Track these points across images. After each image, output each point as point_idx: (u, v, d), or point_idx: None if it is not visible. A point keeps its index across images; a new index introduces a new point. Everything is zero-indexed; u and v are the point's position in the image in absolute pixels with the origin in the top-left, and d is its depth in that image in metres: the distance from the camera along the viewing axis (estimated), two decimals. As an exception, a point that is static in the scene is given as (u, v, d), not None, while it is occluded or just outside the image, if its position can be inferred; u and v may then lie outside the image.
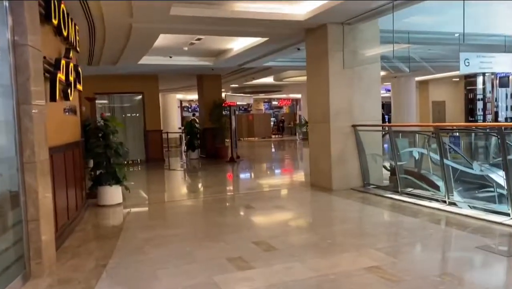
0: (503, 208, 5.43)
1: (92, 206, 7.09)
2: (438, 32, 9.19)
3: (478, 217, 5.40)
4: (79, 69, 6.10)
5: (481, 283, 3.64)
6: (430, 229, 5.27)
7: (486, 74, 17.82)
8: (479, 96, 18.46)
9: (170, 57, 11.54)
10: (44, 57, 4.29)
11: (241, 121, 25.08)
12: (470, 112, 18.74)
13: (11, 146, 3.73)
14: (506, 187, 5.26)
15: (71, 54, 5.46)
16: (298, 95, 28.66)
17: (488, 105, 18.30)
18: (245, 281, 3.69)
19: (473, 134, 8.57)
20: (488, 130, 8.19)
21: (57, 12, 4.70)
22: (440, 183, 6.45)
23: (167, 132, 17.42)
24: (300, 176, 10.91)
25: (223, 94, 15.97)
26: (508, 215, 5.19)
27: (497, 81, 18.08)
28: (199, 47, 10.70)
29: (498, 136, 5.55)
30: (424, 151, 7.27)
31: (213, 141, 14.98)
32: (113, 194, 7.15)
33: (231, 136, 14.16)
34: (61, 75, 4.73)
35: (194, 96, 23.46)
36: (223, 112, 14.88)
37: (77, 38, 6.13)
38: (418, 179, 7.10)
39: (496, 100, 18.25)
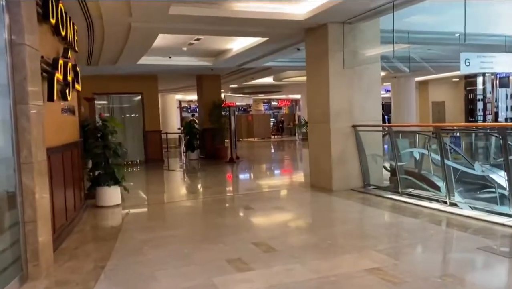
0: (505, 208, 5.39)
1: (91, 207, 7.05)
2: (439, 32, 9.17)
3: (479, 217, 5.36)
4: (78, 69, 6.06)
5: (483, 285, 3.61)
6: (431, 230, 5.23)
7: (486, 74, 17.82)
8: (479, 97, 18.45)
9: (170, 57, 11.51)
10: (42, 57, 4.25)
11: (240, 122, 25.06)
12: (470, 113, 18.74)
13: (8, 146, 3.69)
14: (507, 188, 5.23)
15: (69, 54, 5.43)
16: (298, 96, 28.65)
17: (488, 105, 18.29)
18: (245, 282, 3.65)
19: (473, 134, 8.55)
20: (488, 130, 8.17)
21: (55, 11, 4.67)
22: (441, 184, 6.42)
23: (167, 133, 17.38)
24: (299, 177, 10.87)
25: (222, 95, 15.93)
26: (509, 215, 5.16)
27: (497, 81, 18.08)
28: (198, 47, 10.67)
29: (500, 137, 5.52)
30: (425, 151, 7.23)
31: (212, 142, 14.95)
32: (111, 194, 7.11)
33: (231, 137, 14.13)
34: (59, 75, 4.69)
35: (193, 96, 23.43)
36: (223, 113, 14.85)
37: (76, 38, 6.09)
38: (419, 180, 7.07)
39: (496, 100, 18.24)
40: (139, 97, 14.68)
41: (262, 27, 7.80)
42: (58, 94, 4.83)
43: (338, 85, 7.63)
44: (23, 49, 3.68)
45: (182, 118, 27.44)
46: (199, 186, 10.57)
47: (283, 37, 8.75)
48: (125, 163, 10.54)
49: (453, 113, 20.91)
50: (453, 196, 6.03)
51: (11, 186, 3.72)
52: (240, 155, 14.55)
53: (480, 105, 18.42)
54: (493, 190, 6.28)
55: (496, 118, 17.94)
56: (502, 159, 5.64)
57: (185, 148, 15.98)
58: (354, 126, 7.74)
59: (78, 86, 6.09)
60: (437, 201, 6.26)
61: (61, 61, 4.83)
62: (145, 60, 10.89)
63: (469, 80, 18.71)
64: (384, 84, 19.01)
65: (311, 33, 8.01)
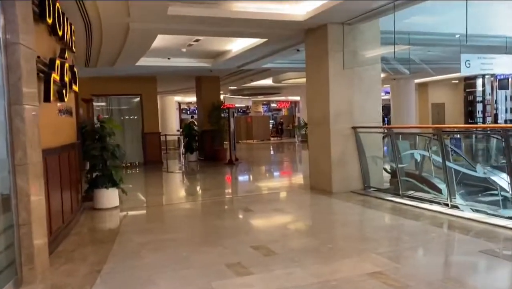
0: (508, 212, 5.33)
1: (88, 209, 6.97)
2: (439, 33, 9.13)
3: (481, 220, 5.30)
4: (75, 69, 5.99)
5: (485, 288, 3.56)
6: (432, 232, 5.18)
7: (486, 76, 17.79)
8: (479, 99, 18.43)
9: (168, 58, 11.46)
10: (38, 57, 4.18)
11: (239, 124, 24.98)
12: (469, 115, 18.71)
13: (3, 148, 3.62)
14: (510, 191, 5.17)
15: (66, 54, 5.36)
16: (297, 98, 28.61)
17: (488, 107, 18.26)
18: (244, 287, 3.59)
19: (474, 136, 8.49)
20: (489, 131, 8.12)
21: (51, 11, 4.61)
22: (442, 186, 6.36)
23: (165, 135, 17.34)
24: (299, 179, 10.81)
25: (221, 97, 15.90)
26: (512, 218, 5.10)
27: (497, 83, 18.05)
28: (197, 49, 10.62)
29: (502, 139, 5.46)
30: (426, 153, 7.18)
31: (211, 143, 14.90)
32: (109, 197, 7.04)
33: (230, 138, 14.07)
34: (55, 76, 4.62)
35: (192, 98, 23.39)
36: (222, 115, 14.81)
37: (73, 38, 6.03)
38: (420, 182, 7.01)
39: (495, 102, 18.21)
40: (138, 99, 14.62)
41: (262, 27, 7.75)
42: (54, 95, 4.76)
43: (338, 86, 7.57)
44: (18, 49, 3.61)
45: (181, 120, 27.41)
46: (198, 188, 10.50)
47: (282, 38, 8.70)
48: (123, 164, 10.47)
49: (452, 115, 20.90)
50: (455, 198, 5.97)
51: (5, 188, 3.65)
52: (239, 156, 14.49)
53: (479, 107, 18.39)
54: (495, 192, 6.21)
55: (495, 120, 17.90)
56: (503, 161, 5.58)
57: (184, 150, 15.92)
58: (354, 127, 7.68)
59: (75, 87, 6.01)
60: (438, 203, 6.20)
61: (58, 62, 4.77)
62: (144, 61, 10.83)
63: (469, 82, 18.69)
64: (384, 86, 18.98)
65: (311, 34, 7.96)
